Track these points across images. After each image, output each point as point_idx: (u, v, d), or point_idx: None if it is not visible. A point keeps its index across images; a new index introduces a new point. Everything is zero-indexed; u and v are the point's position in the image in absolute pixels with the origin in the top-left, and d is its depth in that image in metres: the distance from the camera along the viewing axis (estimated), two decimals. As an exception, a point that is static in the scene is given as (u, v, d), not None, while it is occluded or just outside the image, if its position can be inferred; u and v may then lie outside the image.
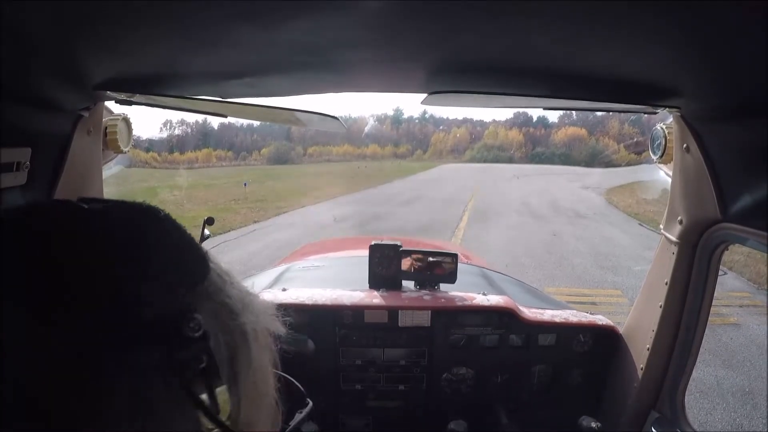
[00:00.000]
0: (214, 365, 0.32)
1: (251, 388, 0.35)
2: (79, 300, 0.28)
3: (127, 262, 0.30)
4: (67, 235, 0.30)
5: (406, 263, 1.48)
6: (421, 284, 1.51)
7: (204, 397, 0.32)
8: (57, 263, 0.28)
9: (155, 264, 0.31)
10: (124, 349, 0.28)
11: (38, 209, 0.33)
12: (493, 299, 1.44)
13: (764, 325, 4.44)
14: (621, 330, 1.39)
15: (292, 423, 0.47)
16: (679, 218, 1.08)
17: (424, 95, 0.93)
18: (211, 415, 0.32)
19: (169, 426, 0.30)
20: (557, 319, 1.44)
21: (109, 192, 1.15)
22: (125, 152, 1.17)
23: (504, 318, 1.41)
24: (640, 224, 9.67)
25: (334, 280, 1.81)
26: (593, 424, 1.24)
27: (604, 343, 1.42)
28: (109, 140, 1.10)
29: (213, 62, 0.74)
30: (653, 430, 1.18)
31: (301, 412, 0.48)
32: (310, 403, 0.45)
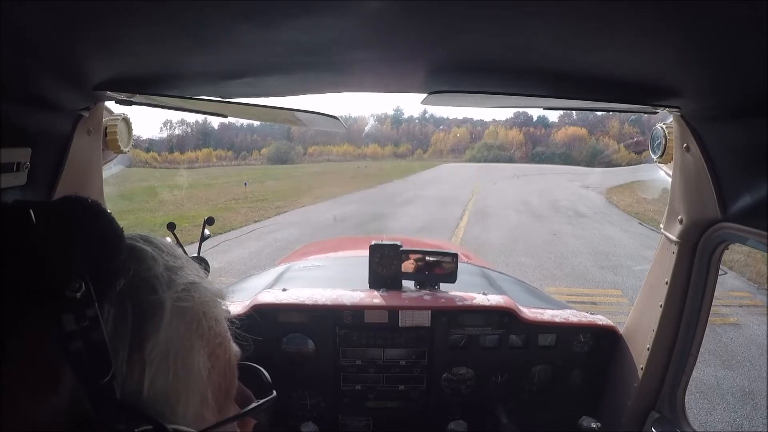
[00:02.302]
0: (101, 329, 0.33)
1: (160, 359, 0.36)
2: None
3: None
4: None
5: (406, 263, 1.48)
6: (421, 284, 1.51)
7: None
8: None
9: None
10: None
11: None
12: (494, 299, 1.44)
13: (764, 325, 4.44)
14: (621, 330, 1.39)
15: (250, 406, 0.45)
16: (679, 218, 1.08)
17: (424, 95, 0.93)
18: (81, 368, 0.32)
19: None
20: (557, 319, 1.44)
21: (110, 192, 1.15)
22: (125, 152, 1.17)
23: (504, 318, 1.41)
24: (640, 223, 9.68)
25: (334, 280, 1.81)
26: (593, 424, 1.24)
27: (604, 343, 1.42)
28: (109, 140, 1.10)
29: (213, 62, 0.74)
30: (653, 430, 1.18)
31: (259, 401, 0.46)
32: (274, 393, 0.45)
